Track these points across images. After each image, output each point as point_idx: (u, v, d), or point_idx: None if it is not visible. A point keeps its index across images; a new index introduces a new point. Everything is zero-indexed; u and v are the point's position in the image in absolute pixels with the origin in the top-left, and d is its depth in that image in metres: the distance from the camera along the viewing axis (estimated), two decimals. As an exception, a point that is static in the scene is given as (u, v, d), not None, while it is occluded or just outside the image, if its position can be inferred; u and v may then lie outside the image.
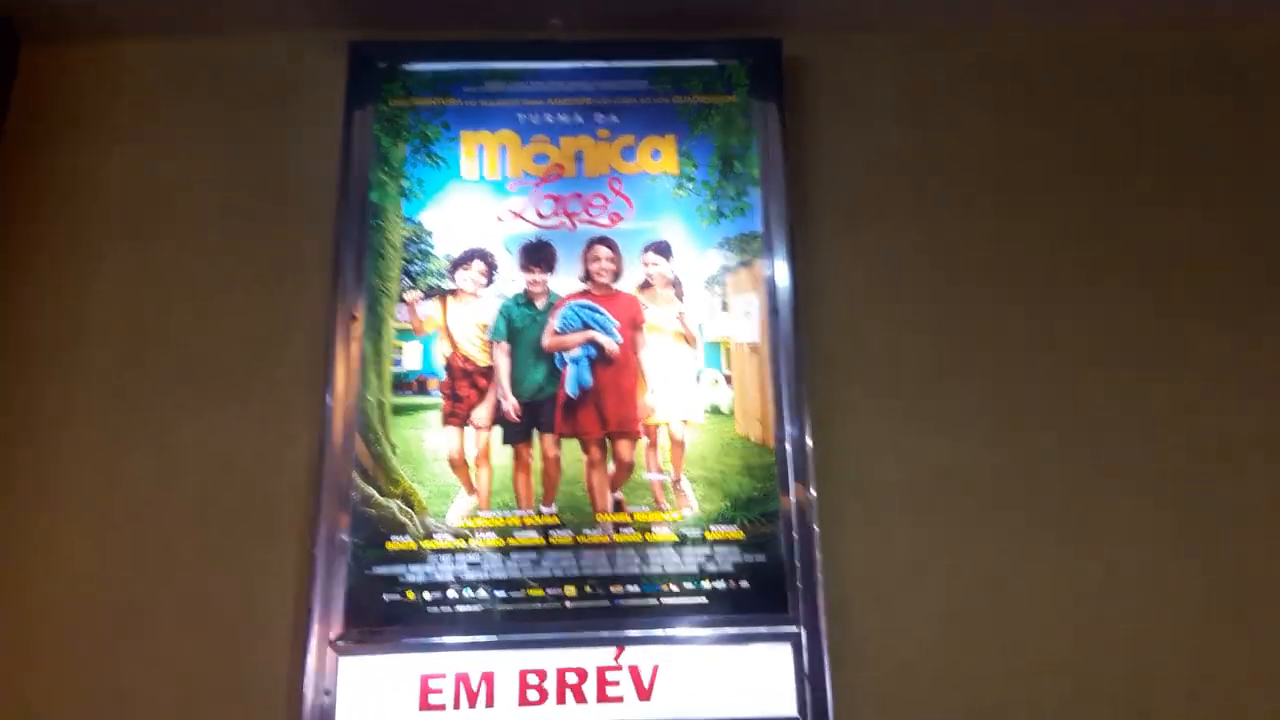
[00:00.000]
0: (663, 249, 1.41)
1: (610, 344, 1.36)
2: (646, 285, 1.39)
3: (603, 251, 1.41)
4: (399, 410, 1.32)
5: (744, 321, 1.38)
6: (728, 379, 1.35)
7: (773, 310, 1.37)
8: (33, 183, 1.47)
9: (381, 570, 1.25)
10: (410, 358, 1.35)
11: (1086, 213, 1.48)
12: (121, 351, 1.38)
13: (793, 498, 1.28)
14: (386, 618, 1.23)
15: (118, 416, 1.35)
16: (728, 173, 1.44)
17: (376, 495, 1.27)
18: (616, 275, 1.40)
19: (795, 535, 1.26)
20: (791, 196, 1.43)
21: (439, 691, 1.19)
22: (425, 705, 1.19)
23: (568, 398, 1.33)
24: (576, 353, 1.36)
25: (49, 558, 1.29)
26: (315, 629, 1.21)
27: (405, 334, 1.36)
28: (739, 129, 1.46)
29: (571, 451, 1.31)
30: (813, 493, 1.28)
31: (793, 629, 1.22)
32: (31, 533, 1.30)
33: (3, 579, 1.28)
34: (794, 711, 1.19)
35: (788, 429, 1.31)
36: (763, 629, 1.23)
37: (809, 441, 1.30)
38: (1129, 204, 1.48)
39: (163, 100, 1.51)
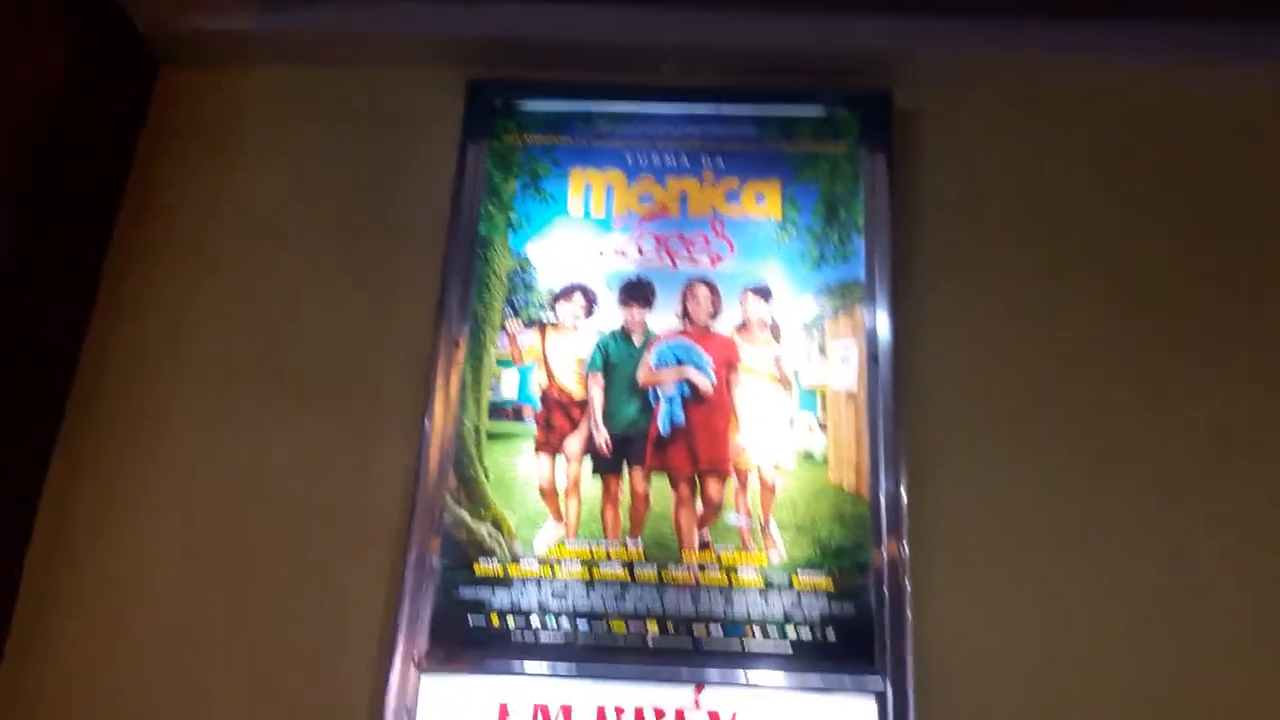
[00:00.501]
0: (762, 292, 1.41)
1: (704, 383, 1.36)
2: (744, 327, 1.39)
3: (701, 291, 1.41)
4: (494, 436, 1.34)
5: (841, 368, 1.36)
6: (822, 426, 1.34)
7: (872, 358, 1.36)
8: (157, 197, 1.54)
9: (468, 593, 1.26)
10: (508, 386, 1.37)
11: (1197, 276, 1.44)
12: (226, 362, 1.43)
13: (885, 553, 1.25)
14: (470, 640, 1.24)
15: (217, 425, 1.40)
16: (832, 219, 1.44)
17: (468, 518, 1.29)
18: (714, 315, 1.40)
19: (886, 590, 1.23)
20: (895, 246, 1.42)
21: (517, 717, 1.20)
22: (504, 732, 1.19)
23: (659, 434, 1.34)
24: (670, 390, 1.36)
25: (139, 562, 1.34)
26: (400, 647, 1.22)
27: (505, 362, 1.38)
28: (845, 176, 1.46)
29: (660, 487, 1.31)
30: (906, 548, 1.25)
31: (878, 684, 1.20)
32: (124, 536, 1.35)
33: (92, 580, 1.33)
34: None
35: (883, 481, 1.29)
36: (847, 681, 1.20)
37: (904, 495, 1.28)
38: (1241, 273, 1.44)
39: (288, 125, 1.57)
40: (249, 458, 1.37)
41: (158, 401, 1.42)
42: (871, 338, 1.37)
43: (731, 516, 1.30)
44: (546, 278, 1.43)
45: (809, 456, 1.32)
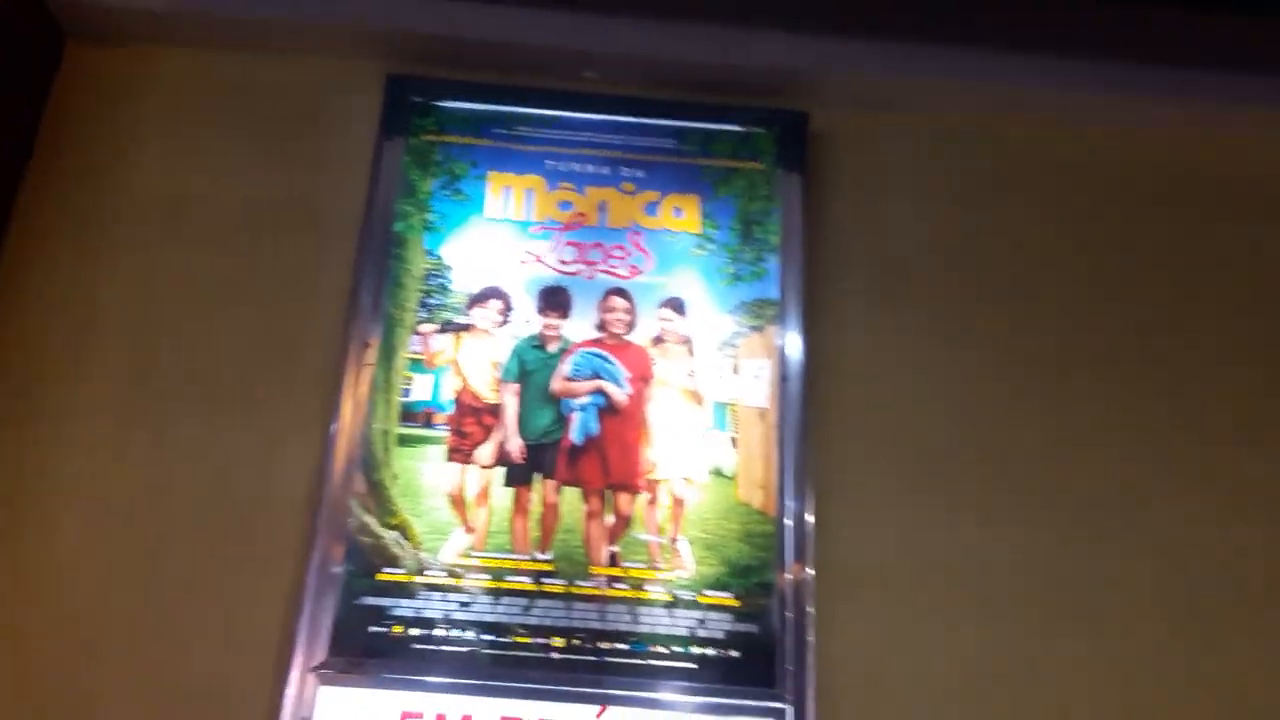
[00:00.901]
0: (678, 305, 1.41)
1: (619, 395, 1.36)
2: (659, 340, 1.39)
3: (619, 302, 1.41)
4: (404, 441, 1.31)
5: (753, 385, 1.38)
6: (733, 441, 1.35)
7: (783, 378, 1.37)
8: (60, 180, 1.46)
9: (370, 601, 1.23)
10: (420, 389, 1.34)
11: (1102, 302, 1.49)
12: (129, 355, 1.37)
13: (789, 575, 1.27)
14: (372, 650, 1.21)
15: (119, 420, 1.34)
16: (748, 237, 1.45)
17: (374, 524, 1.26)
18: (630, 327, 1.40)
19: (790, 611, 1.25)
20: (809, 267, 1.44)
21: (414, 731, 1.17)
22: (400, 745, 1.17)
23: (572, 445, 1.33)
24: (585, 400, 1.35)
25: (34, 565, 1.27)
26: (299, 654, 1.19)
27: (417, 365, 1.35)
28: (762, 195, 1.48)
29: (571, 500, 1.30)
30: (810, 571, 1.27)
31: (780, 705, 1.21)
32: (18, 539, 1.29)
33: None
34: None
35: (789, 503, 1.30)
36: (750, 702, 1.21)
37: (809, 519, 1.30)
38: (1145, 296, 1.50)
39: (198, 111, 1.51)
40: (150, 458, 1.32)
41: (56, 398, 1.35)
42: (782, 357, 1.38)
43: (641, 532, 1.30)
44: (462, 281, 1.40)
45: (719, 473, 1.33)
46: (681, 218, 1.47)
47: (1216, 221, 1.55)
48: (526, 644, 1.22)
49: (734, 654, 1.24)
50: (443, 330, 1.37)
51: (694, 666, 1.23)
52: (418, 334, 1.37)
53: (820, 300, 1.44)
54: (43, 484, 1.31)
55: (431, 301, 1.39)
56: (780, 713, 1.20)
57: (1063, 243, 1.53)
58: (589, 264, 1.43)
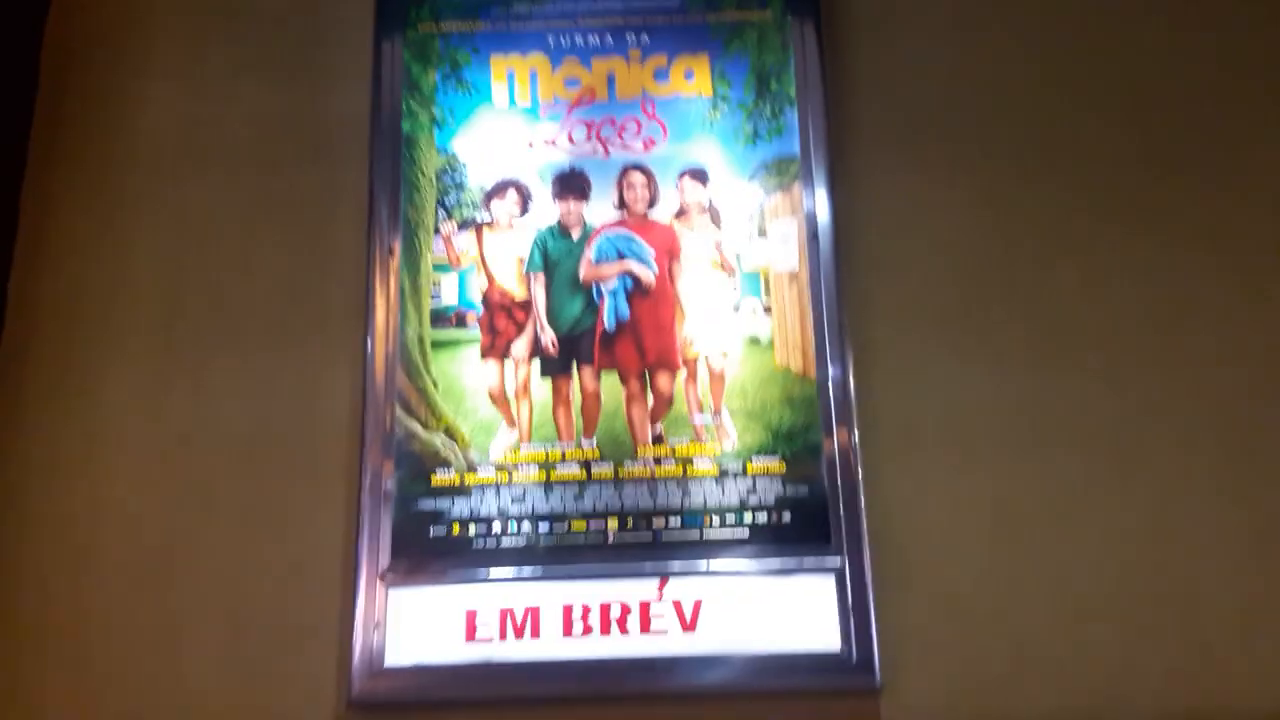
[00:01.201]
0: (699, 175, 1.38)
1: (647, 275, 1.34)
2: (682, 213, 1.37)
3: (637, 179, 1.38)
4: (438, 345, 1.32)
5: (782, 249, 1.36)
6: (766, 309, 1.34)
7: (811, 236, 1.35)
8: (70, 122, 1.45)
9: (427, 505, 1.26)
10: (448, 291, 1.34)
11: (1138, 140, 1.43)
12: (161, 292, 1.38)
13: (835, 439, 1.27)
14: (432, 551, 1.24)
15: (158, 357, 1.36)
16: (764, 92, 1.41)
17: (420, 430, 1.28)
18: (652, 203, 1.37)
19: (838, 471, 1.26)
20: (829, 117, 1.39)
21: (485, 624, 1.21)
22: (471, 637, 1.21)
23: (605, 330, 1.33)
24: (613, 284, 1.34)
25: (94, 500, 1.31)
26: (364, 564, 1.23)
27: (442, 267, 1.35)
28: (774, 47, 1.42)
29: (611, 385, 1.31)
30: (855, 429, 1.27)
31: (836, 562, 1.23)
32: (76, 476, 1.32)
33: (50, 520, 1.30)
34: (837, 645, 1.20)
35: (830, 368, 1.29)
36: (806, 561, 1.24)
37: (851, 381, 1.29)
38: (1185, 134, 1.43)
39: (197, 37, 1.48)
40: (196, 390, 1.34)
41: (92, 353, 1.36)
42: (810, 216, 1.36)
43: (683, 409, 1.30)
44: (477, 175, 1.38)
45: (755, 341, 1.32)
46: (693, 81, 1.42)
47: (1261, 46, 1.46)
48: (582, 530, 1.25)
49: (786, 517, 1.26)
50: (463, 228, 1.36)
51: (747, 534, 1.25)
52: (439, 234, 1.36)
53: (844, 151, 1.40)
54: (92, 429, 1.33)
55: (449, 200, 1.37)
56: (838, 570, 1.23)
57: (1092, 75, 1.45)
58: (602, 141, 1.40)
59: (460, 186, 1.38)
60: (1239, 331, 1.36)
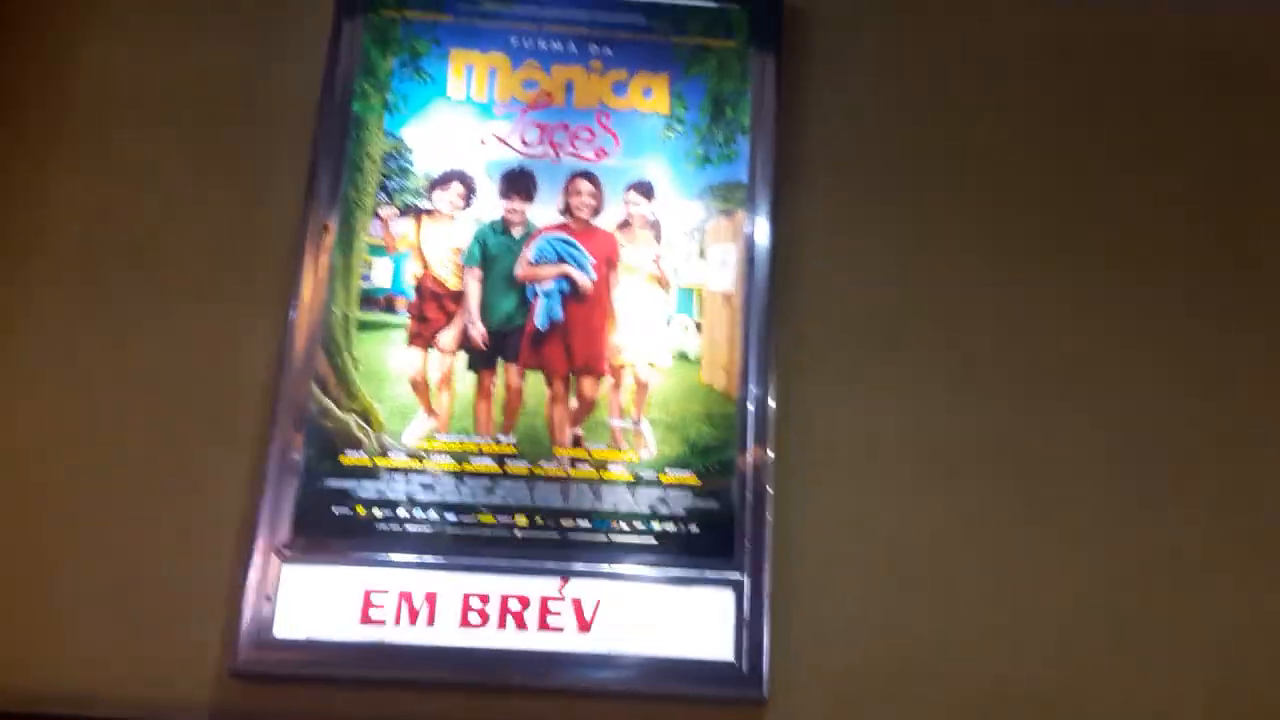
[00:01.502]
0: (645, 189, 1.39)
1: (584, 280, 1.35)
2: (625, 224, 1.38)
3: (584, 186, 1.39)
4: (364, 326, 1.31)
5: (719, 270, 1.37)
6: (698, 326, 1.35)
7: (749, 261, 1.36)
8: (9, 72, 1.43)
9: (333, 483, 1.24)
10: (380, 274, 1.34)
11: (1071, 186, 1.48)
12: (86, 246, 1.36)
13: (749, 457, 1.28)
14: (335, 530, 1.23)
15: (78, 310, 1.33)
16: (718, 118, 1.43)
17: (334, 408, 1.27)
18: (596, 211, 1.38)
19: (749, 490, 1.27)
20: (779, 149, 1.42)
21: (381, 607, 1.20)
22: (366, 619, 1.19)
23: (536, 330, 1.33)
24: (549, 285, 1.35)
25: (1, 447, 1.28)
26: (261, 535, 1.21)
27: (377, 250, 1.34)
28: (734, 75, 1.45)
29: (535, 384, 1.31)
30: (770, 453, 1.28)
31: (736, 576, 1.24)
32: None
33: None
34: (730, 655, 1.21)
35: (752, 387, 1.31)
36: (707, 573, 1.24)
37: (771, 402, 1.30)
38: (1113, 182, 1.48)
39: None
40: (112, 347, 1.32)
41: (17, 290, 1.34)
42: (750, 241, 1.37)
43: (605, 414, 1.31)
44: (424, 163, 1.38)
45: (683, 357, 1.33)
46: (650, 98, 1.44)
47: (1182, 96, 1.52)
48: (490, 524, 1.24)
49: (693, 529, 1.26)
50: (403, 214, 1.36)
51: (654, 541, 1.25)
52: (378, 217, 1.35)
53: (791, 184, 1.42)
54: (4, 374, 1.31)
55: (391, 185, 1.37)
56: (737, 583, 1.23)
57: (1033, 122, 1.50)
58: (554, 146, 1.41)
59: (405, 173, 1.38)
60: (1154, 365, 1.40)
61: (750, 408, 1.30)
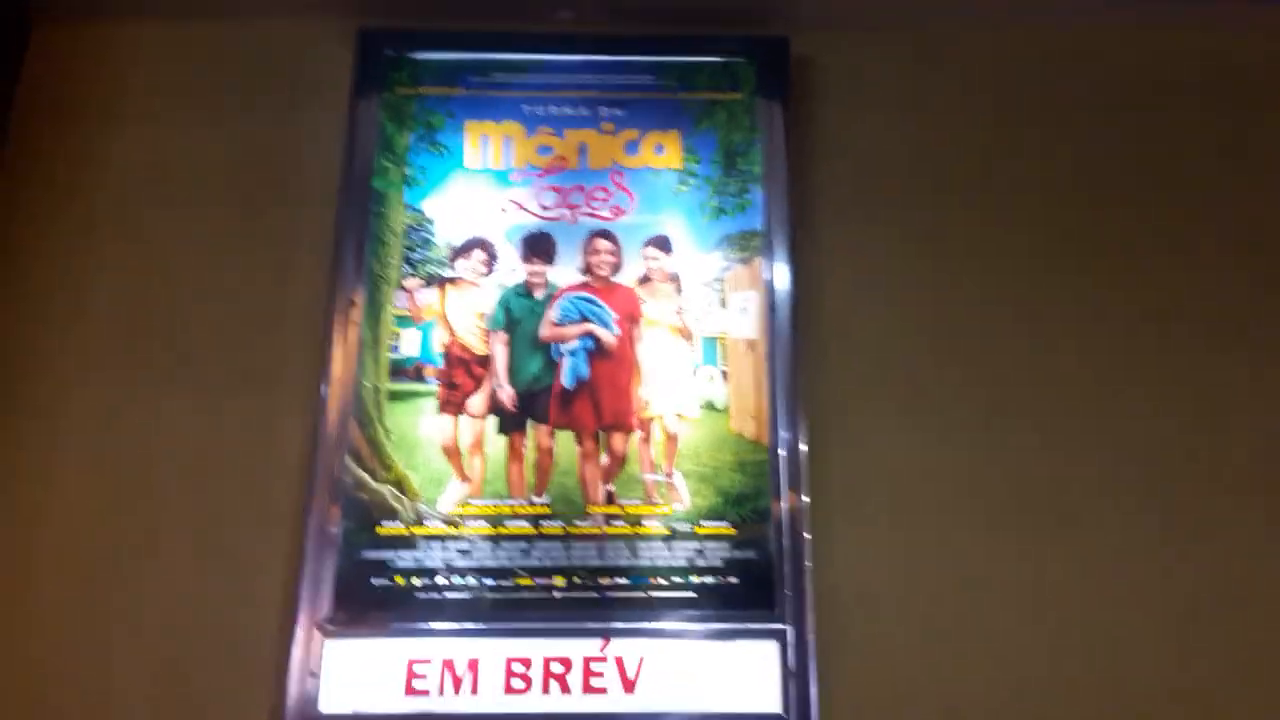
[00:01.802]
0: (663, 244, 1.41)
1: (608, 337, 1.36)
2: (646, 280, 1.40)
3: (603, 244, 1.41)
4: (395, 396, 1.33)
5: (741, 318, 1.38)
6: (724, 374, 1.35)
7: (770, 308, 1.37)
8: (39, 163, 1.47)
9: (371, 555, 1.25)
10: (408, 344, 1.36)
11: (1089, 220, 1.48)
12: (118, 327, 1.39)
13: (784, 503, 1.28)
14: (375, 602, 1.23)
15: (113, 393, 1.36)
16: (730, 169, 1.45)
17: (369, 480, 1.28)
18: (616, 268, 1.40)
19: (786, 537, 1.26)
20: (793, 195, 1.43)
21: (424, 677, 1.20)
22: (410, 690, 1.19)
23: (563, 389, 1.34)
24: (574, 345, 1.36)
25: (37, 538, 1.30)
26: (303, 610, 1.21)
27: (404, 321, 1.36)
28: (743, 126, 1.47)
29: (565, 443, 1.32)
30: (805, 498, 1.28)
31: (779, 626, 1.23)
32: (21, 512, 1.31)
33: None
34: (778, 708, 1.20)
35: (782, 433, 1.31)
36: (750, 625, 1.23)
37: (803, 446, 1.30)
38: (1130, 214, 1.48)
39: (171, 80, 1.51)
40: (146, 428, 1.34)
41: (53, 375, 1.37)
42: (770, 287, 1.38)
43: (636, 470, 1.31)
44: (445, 233, 1.41)
45: (711, 406, 1.34)
46: (663, 154, 1.46)
47: (1198, 122, 1.52)
48: (528, 585, 1.25)
49: (733, 580, 1.26)
50: (428, 284, 1.38)
51: (694, 595, 1.25)
52: (403, 289, 1.37)
53: (806, 228, 1.43)
54: (41, 460, 1.33)
55: (415, 256, 1.39)
56: (780, 634, 1.23)
57: (1048, 158, 1.50)
58: (571, 207, 1.43)
59: (427, 244, 1.40)
60: (1191, 400, 1.39)
61: (782, 453, 1.30)
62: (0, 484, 1.32)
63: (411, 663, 1.20)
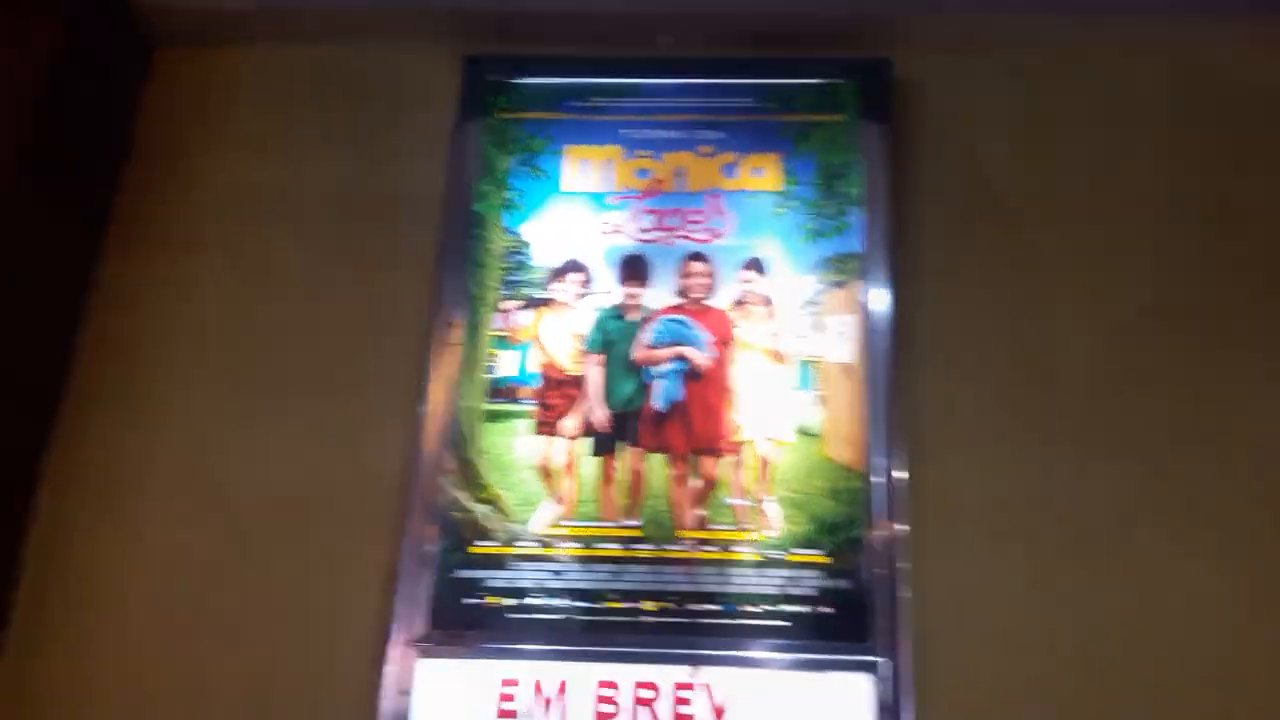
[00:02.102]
0: (759, 266, 1.40)
1: (701, 359, 1.36)
2: (741, 303, 1.39)
3: (698, 267, 1.41)
4: (491, 417, 1.34)
5: (838, 342, 1.36)
6: (820, 399, 1.34)
7: (868, 331, 1.35)
8: (152, 185, 1.54)
9: (465, 574, 1.26)
10: (505, 366, 1.37)
11: (1204, 250, 1.42)
12: (221, 348, 1.44)
13: (880, 532, 1.25)
14: (467, 621, 1.24)
15: (215, 412, 1.40)
16: (829, 192, 1.43)
17: (464, 499, 1.30)
18: (711, 291, 1.39)
19: (881, 568, 1.23)
20: (893, 218, 1.41)
21: (513, 698, 1.20)
22: (501, 711, 1.20)
23: (656, 412, 1.34)
24: (667, 367, 1.36)
25: (134, 556, 1.34)
26: (397, 630, 1.23)
27: (501, 342, 1.38)
28: (843, 148, 1.45)
29: (657, 466, 1.32)
30: (902, 527, 1.25)
31: (874, 657, 1.20)
32: (119, 530, 1.35)
33: (91, 573, 1.33)
34: (873, 739, 1.17)
35: (878, 459, 1.28)
36: (843, 656, 1.21)
37: (900, 474, 1.27)
38: (1242, 238, 1.42)
39: (280, 106, 1.57)
40: (247, 448, 1.38)
41: (154, 393, 1.42)
42: (868, 311, 1.36)
43: (727, 495, 1.30)
44: (542, 256, 1.42)
45: (806, 431, 1.32)
46: (761, 177, 1.45)
47: None
48: (618, 609, 1.25)
49: (825, 610, 1.23)
50: (525, 306, 1.40)
51: (786, 624, 1.23)
52: (501, 311, 1.39)
53: (905, 251, 1.41)
54: (143, 479, 1.37)
55: (513, 279, 1.41)
56: (874, 665, 1.20)
57: (1169, 182, 1.45)
58: (668, 230, 1.43)
59: (525, 266, 1.42)
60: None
61: (878, 480, 1.27)
62: (99, 498, 1.37)
63: (503, 682, 1.21)
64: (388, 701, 1.20)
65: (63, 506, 1.37)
